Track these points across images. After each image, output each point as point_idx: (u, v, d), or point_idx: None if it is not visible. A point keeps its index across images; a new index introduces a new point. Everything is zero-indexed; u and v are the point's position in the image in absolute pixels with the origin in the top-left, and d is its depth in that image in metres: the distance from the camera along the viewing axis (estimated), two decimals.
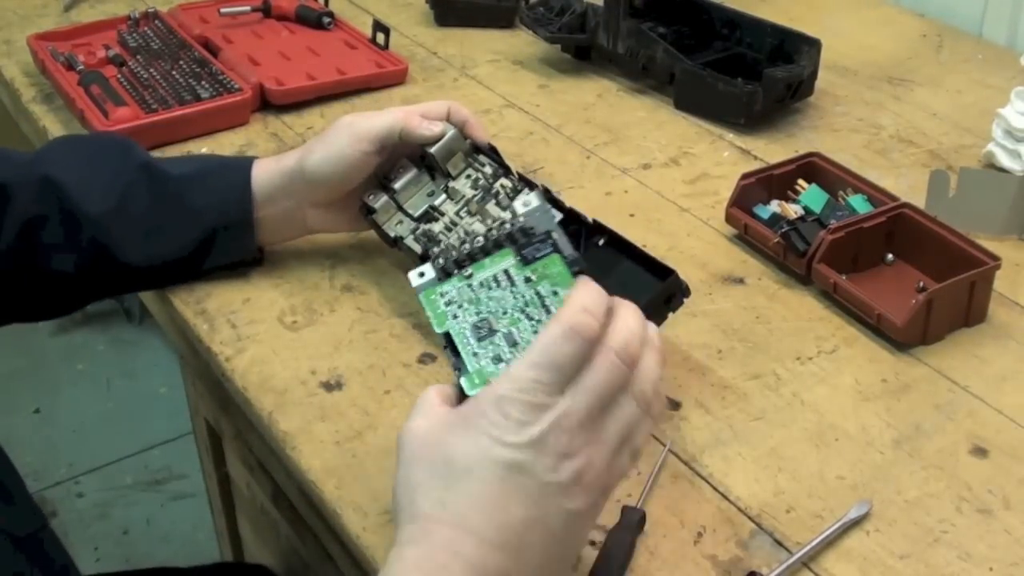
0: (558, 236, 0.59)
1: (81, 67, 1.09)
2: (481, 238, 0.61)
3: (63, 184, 0.78)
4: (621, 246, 0.74)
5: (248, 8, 1.21)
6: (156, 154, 0.88)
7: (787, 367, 0.75)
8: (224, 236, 0.80)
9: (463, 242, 0.63)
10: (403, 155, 0.81)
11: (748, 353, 0.76)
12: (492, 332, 0.58)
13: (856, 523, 0.63)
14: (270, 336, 0.78)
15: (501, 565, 0.51)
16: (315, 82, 1.08)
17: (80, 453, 2.00)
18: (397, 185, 0.81)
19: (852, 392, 0.73)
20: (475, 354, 0.58)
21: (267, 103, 1.07)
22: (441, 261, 0.61)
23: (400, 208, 0.80)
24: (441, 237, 0.77)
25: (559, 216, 0.75)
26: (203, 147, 1.01)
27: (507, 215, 0.75)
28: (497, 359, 0.57)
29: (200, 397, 1.10)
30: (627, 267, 0.73)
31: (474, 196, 0.78)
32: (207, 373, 0.83)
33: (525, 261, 0.59)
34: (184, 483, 1.93)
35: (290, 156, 0.81)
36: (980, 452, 0.69)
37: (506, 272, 0.59)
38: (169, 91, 1.04)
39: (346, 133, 0.78)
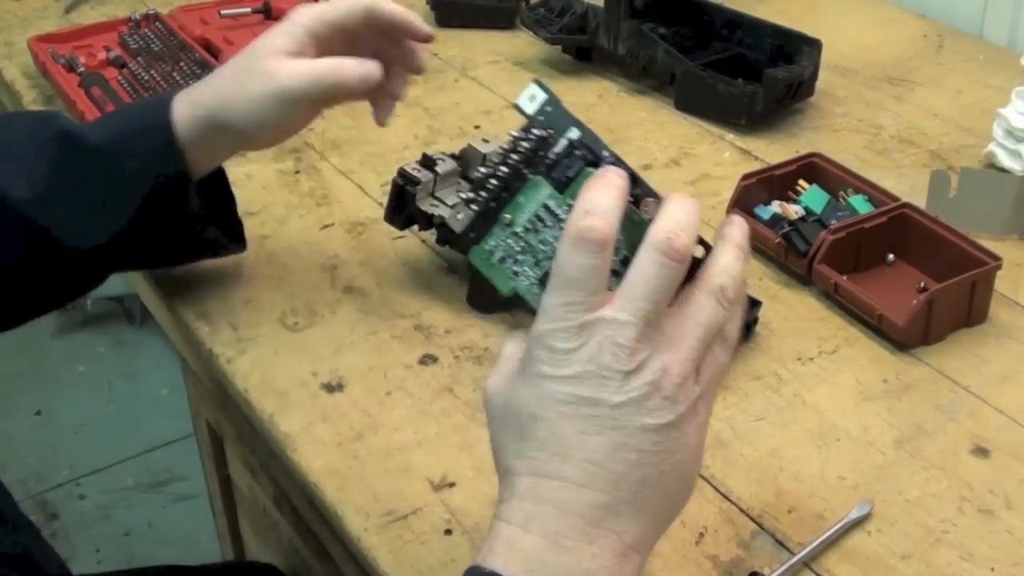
0: (582, 135, 0.53)
1: (82, 69, 1.09)
2: (503, 167, 0.54)
3: None
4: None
5: (249, 10, 1.21)
6: None
7: (788, 367, 0.75)
8: (163, 197, 0.74)
9: (486, 179, 0.55)
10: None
11: (749, 354, 0.76)
12: None
13: (858, 523, 0.63)
14: (271, 338, 0.78)
15: (595, 500, 0.48)
16: None
17: (81, 455, 2.00)
18: (440, 169, 0.81)
19: (853, 392, 0.73)
20: None
21: None
22: (475, 207, 0.55)
23: (432, 193, 0.81)
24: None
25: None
26: None
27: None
28: None
29: (201, 399, 1.10)
30: None
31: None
32: (208, 375, 0.83)
33: (559, 186, 0.53)
34: (185, 485, 1.93)
35: (207, 99, 0.73)
36: (981, 452, 0.69)
37: (546, 207, 0.54)
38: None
39: (270, 95, 0.70)
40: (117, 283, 0.91)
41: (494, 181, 0.55)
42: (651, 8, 1.12)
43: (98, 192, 0.73)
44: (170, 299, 0.83)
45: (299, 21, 0.72)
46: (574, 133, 0.54)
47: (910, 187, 0.94)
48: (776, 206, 0.87)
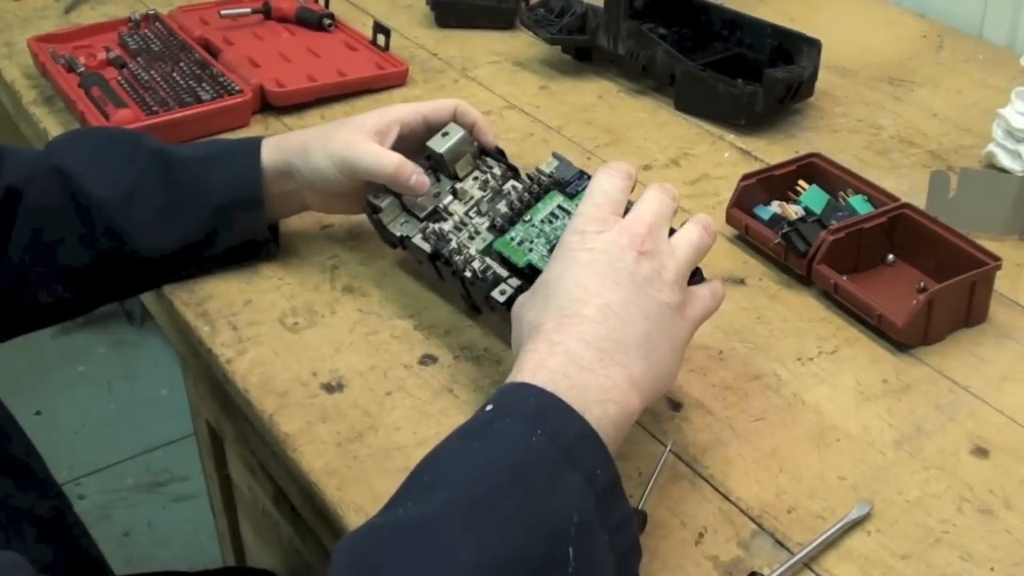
0: (586, 172, 0.73)
1: (82, 69, 1.09)
2: (526, 193, 0.73)
3: (74, 174, 0.79)
4: None
5: (248, 10, 1.22)
6: None
7: (788, 367, 0.75)
8: (235, 214, 0.81)
9: (511, 203, 0.74)
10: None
11: (749, 354, 0.76)
12: None
13: (857, 523, 0.63)
14: (271, 338, 0.78)
15: (608, 335, 0.58)
16: (316, 84, 1.08)
17: (81, 455, 2.00)
18: None
19: (853, 392, 0.73)
20: None
21: (268, 105, 1.07)
22: (499, 221, 0.73)
23: (405, 209, 0.80)
24: (451, 236, 0.77)
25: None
26: None
27: (516, 195, 0.77)
28: None
29: (201, 399, 1.10)
30: None
31: (483, 197, 0.78)
32: (208, 375, 0.83)
33: (571, 196, 0.73)
34: (185, 485, 1.93)
35: (293, 142, 0.82)
36: (981, 452, 0.69)
37: (559, 206, 0.72)
38: (170, 93, 1.04)
39: (340, 157, 0.79)
40: None
41: (518, 204, 0.74)
42: (651, 8, 1.12)
43: (176, 197, 0.80)
44: (170, 299, 0.83)
45: (393, 110, 0.82)
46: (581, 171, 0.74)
47: (910, 187, 0.94)
48: (776, 206, 0.87)
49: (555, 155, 0.76)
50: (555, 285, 0.61)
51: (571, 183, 0.73)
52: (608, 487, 0.54)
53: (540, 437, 0.53)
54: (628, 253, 0.61)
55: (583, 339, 0.58)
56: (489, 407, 0.56)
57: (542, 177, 0.75)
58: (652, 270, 0.61)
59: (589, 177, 0.71)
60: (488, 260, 0.74)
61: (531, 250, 0.71)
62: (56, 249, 0.79)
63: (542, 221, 0.72)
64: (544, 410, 0.55)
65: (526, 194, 0.74)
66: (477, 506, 0.51)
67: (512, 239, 0.72)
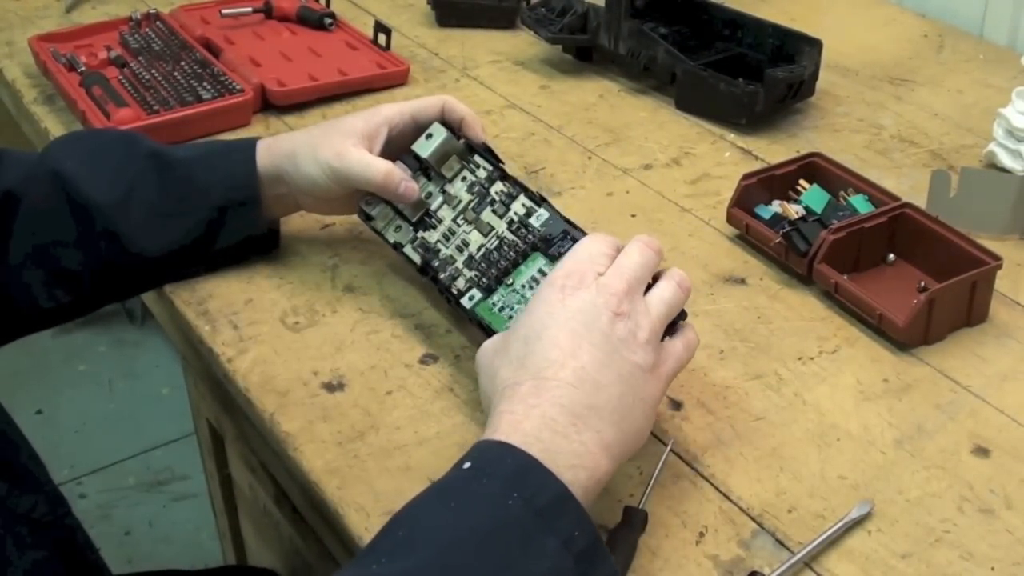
0: (572, 231, 0.72)
1: (83, 68, 1.09)
2: (512, 252, 0.73)
3: (71, 177, 0.79)
4: None
5: (249, 9, 1.22)
6: None
7: (788, 367, 0.75)
8: (232, 214, 0.81)
9: (496, 262, 0.74)
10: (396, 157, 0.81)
11: (750, 353, 0.76)
12: None
13: (858, 523, 0.63)
14: (272, 337, 0.78)
15: (582, 400, 0.58)
16: (317, 83, 1.08)
17: (82, 454, 2.00)
18: None
19: (854, 392, 0.73)
20: None
21: (269, 104, 1.07)
22: (485, 281, 0.73)
23: (398, 212, 0.80)
24: (439, 247, 0.77)
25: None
26: None
27: (505, 224, 0.76)
28: None
29: (202, 398, 1.10)
30: None
31: (470, 202, 0.78)
32: (209, 374, 0.83)
33: (553, 259, 0.71)
34: (186, 484, 1.94)
35: (283, 147, 0.81)
36: (982, 452, 0.69)
37: (540, 271, 0.72)
38: (171, 92, 1.04)
39: (330, 167, 0.78)
40: None
41: (504, 263, 0.73)
42: (652, 8, 1.12)
43: (174, 198, 0.80)
44: (171, 298, 0.83)
45: (381, 111, 0.81)
46: (568, 229, 0.73)
47: (910, 187, 0.94)
48: (776, 206, 0.87)
49: (546, 203, 0.74)
50: (533, 343, 0.61)
51: (555, 243, 0.72)
52: (587, 549, 0.54)
53: (516, 500, 0.53)
54: (604, 313, 0.61)
55: (559, 403, 0.58)
56: (467, 465, 0.56)
57: (528, 235, 0.73)
58: (627, 331, 0.61)
59: (574, 239, 0.71)
60: (474, 273, 0.74)
61: (511, 316, 0.71)
62: (55, 252, 0.79)
63: (523, 286, 0.72)
64: (521, 471, 0.55)
65: (512, 253, 0.73)
66: (453, 568, 0.51)
67: (493, 305, 0.72)
